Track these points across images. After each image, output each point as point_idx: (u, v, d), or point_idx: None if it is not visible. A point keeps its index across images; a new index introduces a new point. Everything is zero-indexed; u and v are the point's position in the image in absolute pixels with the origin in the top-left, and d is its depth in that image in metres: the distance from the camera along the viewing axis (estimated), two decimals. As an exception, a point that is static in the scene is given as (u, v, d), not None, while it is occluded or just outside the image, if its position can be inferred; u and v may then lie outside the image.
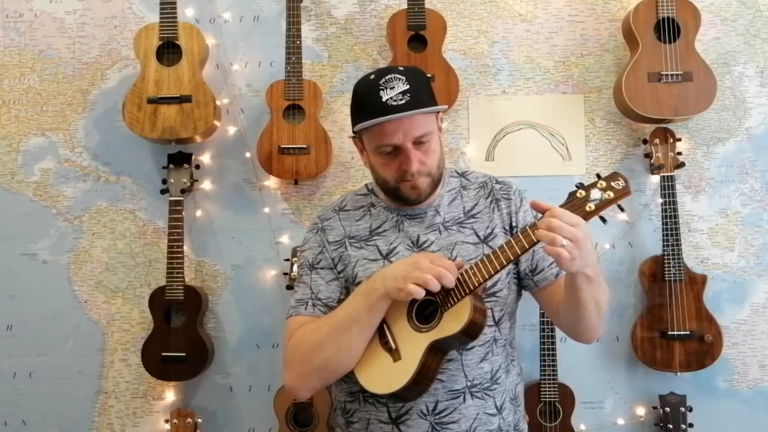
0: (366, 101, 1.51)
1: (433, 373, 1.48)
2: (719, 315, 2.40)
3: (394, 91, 1.48)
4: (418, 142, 1.52)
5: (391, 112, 1.47)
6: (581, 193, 1.39)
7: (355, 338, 1.49)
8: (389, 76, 1.50)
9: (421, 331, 1.47)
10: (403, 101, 1.47)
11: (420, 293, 1.40)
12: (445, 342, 1.45)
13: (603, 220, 1.41)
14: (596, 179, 1.40)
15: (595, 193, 1.39)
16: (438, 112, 1.59)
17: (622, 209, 1.44)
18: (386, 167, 1.55)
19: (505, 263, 1.41)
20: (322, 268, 1.63)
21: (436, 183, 1.59)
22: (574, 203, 1.39)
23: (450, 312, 1.45)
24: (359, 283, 1.57)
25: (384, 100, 1.47)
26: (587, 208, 1.38)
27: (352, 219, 1.67)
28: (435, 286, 1.39)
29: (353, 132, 1.59)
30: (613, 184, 1.39)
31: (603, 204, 1.38)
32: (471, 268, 1.44)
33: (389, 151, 1.53)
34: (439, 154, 1.57)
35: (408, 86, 1.48)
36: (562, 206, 1.38)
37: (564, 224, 1.31)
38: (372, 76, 1.53)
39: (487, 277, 1.42)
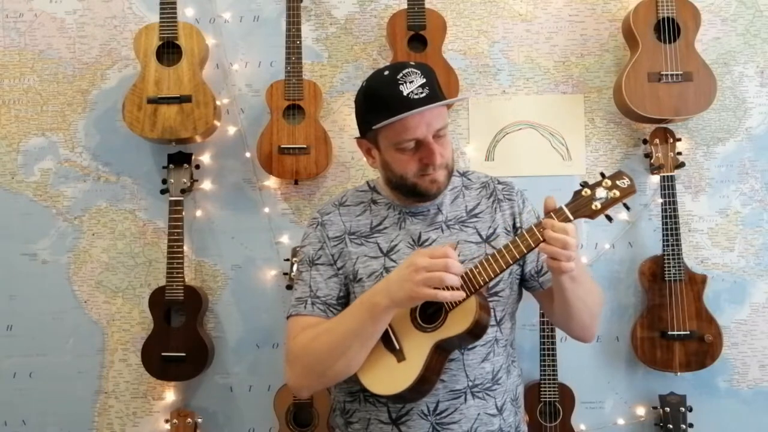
0: (386, 97, 1.47)
1: (437, 373, 1.48)
2: (719, 315, 2.40)
3: (414, 84, 1.45)
4: (437, 135, 1.51)
5: (414, 105, 1.44)
6: (587, 191, 1.40)
7: (357, 351, 1.47)
8: (406, 71, 1.47)
9: (425, 331, 1.46)
10: (424, 94, 1.45)
11: (444, 295, 1.35)
12: (450, 342, 1.45)
13: (609, 218, 1.42)
14: (601, 178, 1.40)
15: (601, 192, 1.40)
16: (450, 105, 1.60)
17: (627, 208, 1.45)
18: (407, 163, 1.52)
19: (511, 262, 1.41)
20: (321, 264, 1.62)
21: (450, 176, 1.59)
22: (580, 202, 1.40)
23: (455, 311, 1.44)
24: (360, 279, 1.57)
25: (405, 94, 1.45)
26: (593, 207, 1.39)
27: (353, 214, 1.66)
28: (453, 281, 1.35)
29: (371, 129, 1.52)
30: (618, 182, 1.40)
31: (609, 203, 1.40)
32: (476, 266, 1.43)
33: (411, 147, 1.51)
34: (451, 147, 1.58)
35: (424, 80, 1.47)
36: (567, 205, 1.40)
37: (567, 237, 1.35)
38: (386, 72, 1.49)
39: (493, 276, 1.42)
